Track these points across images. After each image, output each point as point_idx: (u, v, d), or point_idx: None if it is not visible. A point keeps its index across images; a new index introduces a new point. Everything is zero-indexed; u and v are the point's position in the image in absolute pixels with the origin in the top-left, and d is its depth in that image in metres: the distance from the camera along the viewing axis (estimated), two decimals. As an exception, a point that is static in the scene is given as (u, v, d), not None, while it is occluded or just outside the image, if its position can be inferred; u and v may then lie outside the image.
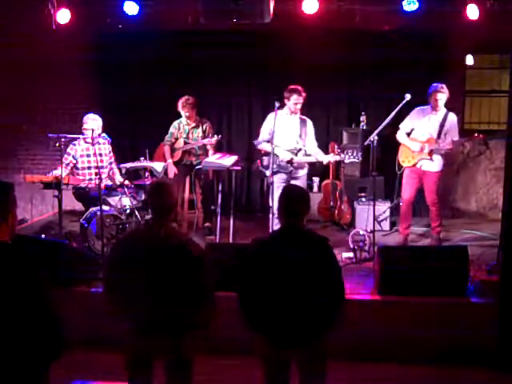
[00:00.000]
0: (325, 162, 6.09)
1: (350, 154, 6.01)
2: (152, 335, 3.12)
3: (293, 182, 5.90)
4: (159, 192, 3.28)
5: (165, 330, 3.12)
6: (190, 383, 3.31)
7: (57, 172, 5.75)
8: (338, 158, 6.00)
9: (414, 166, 6.20)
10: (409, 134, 6.27)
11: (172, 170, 6.72)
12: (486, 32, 6.79)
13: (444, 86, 6.07)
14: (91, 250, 5.57)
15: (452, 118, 6.16)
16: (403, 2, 6.30)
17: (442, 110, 6.14)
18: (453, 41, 7.41)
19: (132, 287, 3.10)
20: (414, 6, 6.28)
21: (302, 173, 6.10)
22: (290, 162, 5.98)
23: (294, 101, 5.92)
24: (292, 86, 5.98)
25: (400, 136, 6.25)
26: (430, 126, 6.14)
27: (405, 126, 6.25)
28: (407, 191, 6.30)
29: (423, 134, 6.16)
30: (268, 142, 5.88)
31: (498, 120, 8.01)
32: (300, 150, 6.05)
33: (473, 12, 6.22)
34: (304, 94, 5.95)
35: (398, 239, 6.43)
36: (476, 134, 6.10)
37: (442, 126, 6.11)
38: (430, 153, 6.08)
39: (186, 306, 3.10)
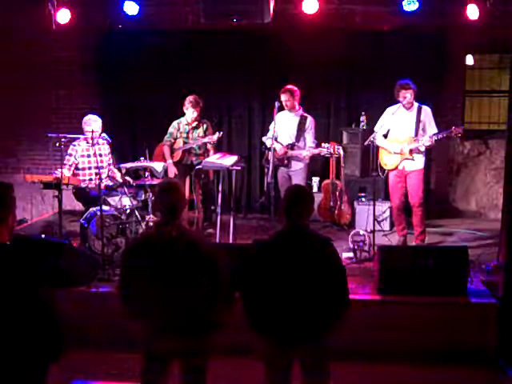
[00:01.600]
0: (303, 155, 6.40)
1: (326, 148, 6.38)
2: (168, 337, 3.09)
3: (291, 174, 6.53)
4: (169, 191, 3.24)
5: (181, 332, 3.09)
6: None
7: (59, 173, 5.73)
8: (316, 151, 6.40)
9: (397, 168, 6.09)
10: (385, 136, 6.17)
11: (172, 171, 6.71)
12: (486, 32, 6.80)
13: (409, 81, 5.94)
14: (91, 250, 5.56)
15: (426, 111, 6.04)
16: (403, 2, 6.31)
17: (415, 106, 6.02)
18: (453, 41, 7.43)
19: (147, 289, 3.08)
20: (414, 6, 6.28)
21: (297, 167, 6.51)
22: (284, 155, 6.46)
23: (283, 100, 6.42)
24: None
25: (378, 139, 6.08)
26: (406, 125, 6.03)
27: (379, 128, 6.09)
28: (395, 197, 6.20)
29: (400, 133, 6.06)
30: (271, 138, 6.44)
31: (498, 120, 8.01)
32: (294, 144, 6.48)
33: (473, 12, 6.22)
34: (288, 94, 6.37)
35: (398, 240, 6.41)
36: (454, 128, 5.86)
37: (418, 122, 5.98)
38: (411, 152, 5.98)
39: (202, 305, 3.08)
